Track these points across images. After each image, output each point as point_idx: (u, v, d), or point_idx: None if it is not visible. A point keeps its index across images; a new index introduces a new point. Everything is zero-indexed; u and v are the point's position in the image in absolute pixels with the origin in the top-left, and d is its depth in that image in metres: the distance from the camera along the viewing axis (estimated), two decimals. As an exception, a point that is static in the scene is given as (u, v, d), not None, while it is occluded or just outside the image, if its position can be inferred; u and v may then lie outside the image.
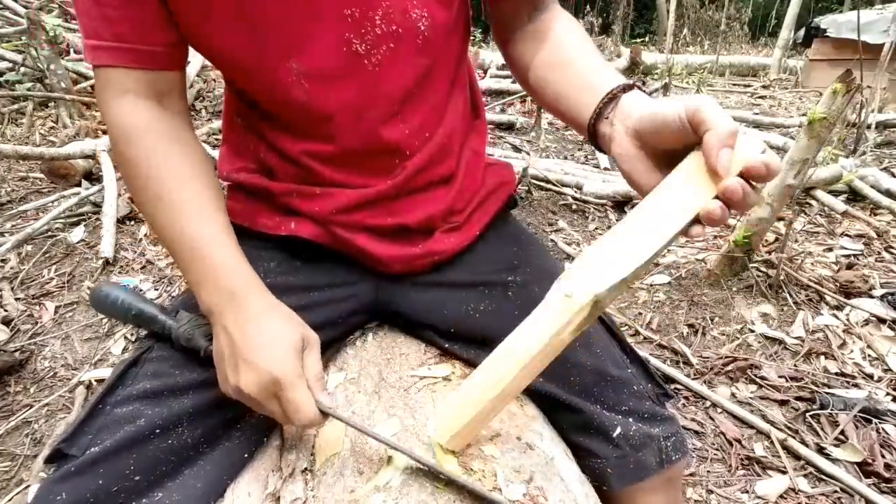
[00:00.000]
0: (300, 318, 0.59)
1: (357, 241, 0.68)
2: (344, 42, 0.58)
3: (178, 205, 0.58)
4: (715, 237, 2.36)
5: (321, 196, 0.67)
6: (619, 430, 0.64)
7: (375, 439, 0.53)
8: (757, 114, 4.42)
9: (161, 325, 0.61)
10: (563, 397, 0.66)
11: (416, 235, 0.71)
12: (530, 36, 0.67)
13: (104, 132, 2.98)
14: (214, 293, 0.56)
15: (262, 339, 0.54)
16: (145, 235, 2.31)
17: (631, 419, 0.65)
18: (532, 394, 0.69)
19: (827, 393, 1.45)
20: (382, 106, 0.62)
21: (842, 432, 1.34)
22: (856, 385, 1.49)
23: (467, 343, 0.70)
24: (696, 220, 0.45)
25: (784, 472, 1.25)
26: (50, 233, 2.27)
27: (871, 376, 1.53)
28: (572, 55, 0.62)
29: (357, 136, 0.63)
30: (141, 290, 1.94)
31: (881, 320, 1.72)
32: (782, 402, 1.46)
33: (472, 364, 0.70)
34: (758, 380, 1.53)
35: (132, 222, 2.40)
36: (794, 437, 1.33)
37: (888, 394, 1.46)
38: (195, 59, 4.05)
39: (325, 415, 0.54)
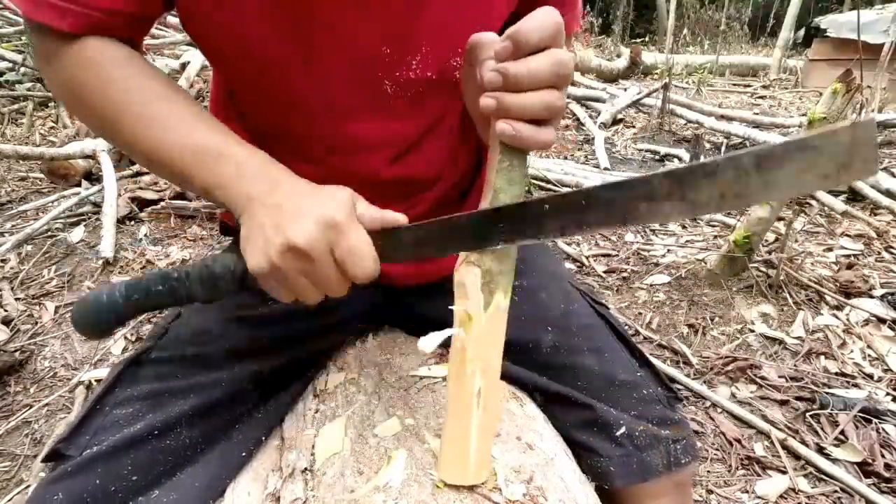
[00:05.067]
0: (308, 315, 0.57)
1: None
2: (374, 81, 0.56)
3: (176, 118, 0.50)
4: (715, 237, 2.36)
5: None
6: (623, 429, 0.64)
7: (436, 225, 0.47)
8: (757, 114, 4.42)
9: (177, 273, 0.50)
10: (568, 394, 0.66)
11: None
12: None
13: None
14: (244, 180, 0.48)
15: (311, 190, 0.47)
16: (145, 235, 2.31)
17: (639, 421, 0.65)
18: (535, 391, 0.69)
19: (827, 393, 1.45)
20: (396, 143, 0.61)
21: (842, 432, 1.34)
22: (856, 385, 1.49)
23: None
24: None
25: (784, 472, 1.25)
26: (50, 233, 2.28)
27: (871, 376, 1.53)
28: None
29: (368, 169, 0.62)
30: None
31: (881, 320, 1.72)
32: (782, 402, 1.46)
33: None
34: (758, 380, 1.53)
35: (132, 222, 2.41)
36: (794, 437, 1.33)
37: (888, 394, 1.46)
38: (195, 60, 4.04)
39: (387, 249, 0.48)
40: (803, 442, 1.32)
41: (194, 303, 0.51)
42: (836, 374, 1.54)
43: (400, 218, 0.47)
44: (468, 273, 0.46)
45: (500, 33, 0.63)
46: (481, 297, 0.46)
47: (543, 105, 0.42)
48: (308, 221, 0.44)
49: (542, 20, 0.41)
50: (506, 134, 0.42)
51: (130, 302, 0.50)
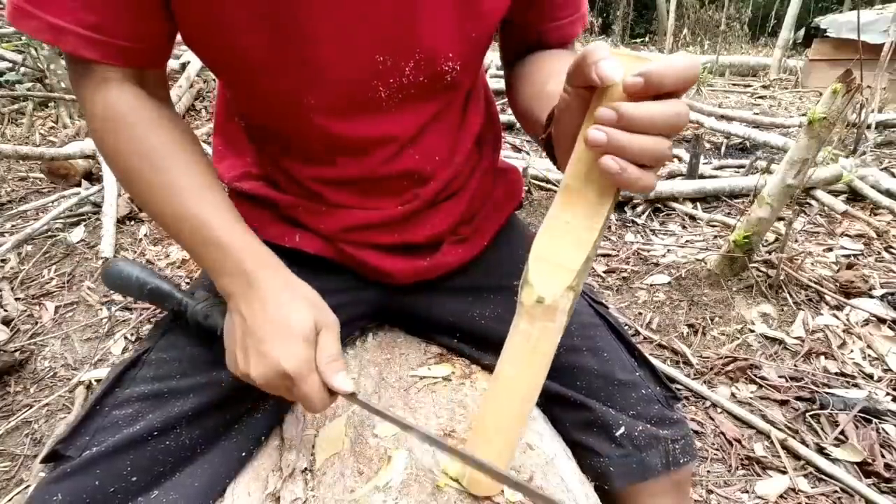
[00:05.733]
0: (318, 297, 0.57)
1: (364, 256, 0.67)
2: (370, 88, 0.57)
3: (177, 188, 0.54)
4: (715, 237, 2.36)
5: (328, 214, 0.66)
6: (623, 429, 0.64)
7: (393, 421, 0.51)
8: (757, 114, 4.42)
9: (177, 303, 0.59)
10: (567, 395, 0.66)
11: (425, 250, 0.70)
12: (524, 70, 0.66)
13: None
14: (228, 277, 0.54)
15: (275, 326, 0.51)
16: (145, 235, 2.31)
17: (638, 421, 0.65)
18: None
19: (827, 393, 1.45)
20: (393, 140, 0.61)
21: (842, 432, 1.34)
22: (856, 385, 1.49)
23: (470, 343, 0.70)
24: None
25: (784, 472, 1.25)
26: (50, 233, 2.28)
27: (871, 376, 1.53)
28: (547, 79, 0.59)
29: (365, 166, 0.62)
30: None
31: (881, 320, 1.72)
32: (782, 402, 1.46)
33: (475, 361, 0.70)
34: (758, 380, 1.53)
35: (132, 222, 2.41)
36: (794, 437, 1.33)
37: (888, 394, 1.46)
38: (195, 60, 4.04)
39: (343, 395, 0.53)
40: (803, 442, 1.32)
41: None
42: (836, 374, 1.54)
43: (346, 389, 0.52)
44: (565, 299, 0.44)
45: (495, 35, 0.64)
46: (566, 318, 0.45)
47: (650, 152, 0.40)
48: (267, 368, 0.50)
49: (682, 68, 0.38)
50: (611, 170, 0.41)
51: (143, 291, 0.61)
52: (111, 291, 1.92)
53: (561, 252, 0.44)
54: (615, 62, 0.39)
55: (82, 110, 0.56)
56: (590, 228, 0.43)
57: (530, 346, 0.46)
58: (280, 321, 0.52)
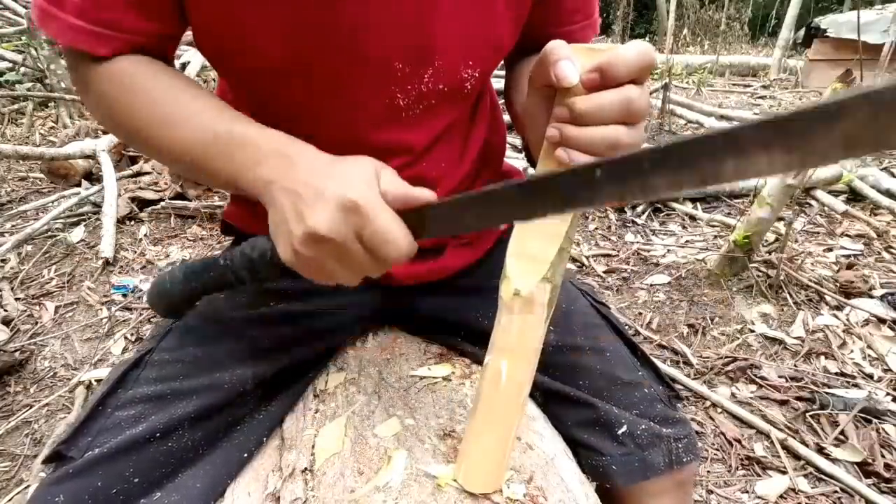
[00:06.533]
0: (287, 333, 0.56)
1: None
2: (387, 95, 0.56)
3: (199, 114, 0.51)
4: (715, 237, 2.36)
5: None
6: (625, 427, 0.64)
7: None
8: (757, 114, 4.42)
9: (223, 259, 0.53)
10: (569, 393, 0.66)
11: (429, 254, 0.70)
12: (520, 72, 0.66)
13: (104, 132, 2.98)
14: (261, 165, 0.47)
15: (330, 171, 0.44)
16: (145, 235, 2.31)
17: (641, 420, 0.65)
18: (535, 390, 0.69)
19: (827, 393, 1.45)
20: (408, 150, 0.61)
21: (842, 432, 1.34)
22: (856, 385, 1.49)
23: (474, 342, 0.70)
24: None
25: (784, 472, 1.25)
26: (50, 233, 2.28)
27: (871, 376, 1.53)
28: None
29: None
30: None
31: (881, 320, 1.72)
32: (782, 402, 1.46)
33: (477, 361, 0.70)
34: (758, 380, 1.53)
35: (132, 222, 2.41)
36: (794, 437, 1.33)
37: (888, 394, 1.46)
38: (195, 60, 4.04)
39: (420, 226, 0.44)
40: (803, 442, 1.32)
41: (243, 286, 0.54)
42: (836, 374, 1.54)
43: (427, 195, 0.44)
44: (541, 291, 0.45)
45: (510, 41, 0.64)
46: (546, 311, 0.46)
47: (606, 141, 0.42)
48: (328, 207, 0.42)
49: (635, 56, 0.40)
50: (562, 161, 0.42)
51: (189, 287, 0.56)
52: (113, 292, 1.93)
53: (535, 246, 0.46)
54: (570, 63, 0.42)
55: (84, 88, 0.53)
56: (561, 221, 0.45)
57: (512, 340, 0.47)
58: (335, 166, 0.45)
